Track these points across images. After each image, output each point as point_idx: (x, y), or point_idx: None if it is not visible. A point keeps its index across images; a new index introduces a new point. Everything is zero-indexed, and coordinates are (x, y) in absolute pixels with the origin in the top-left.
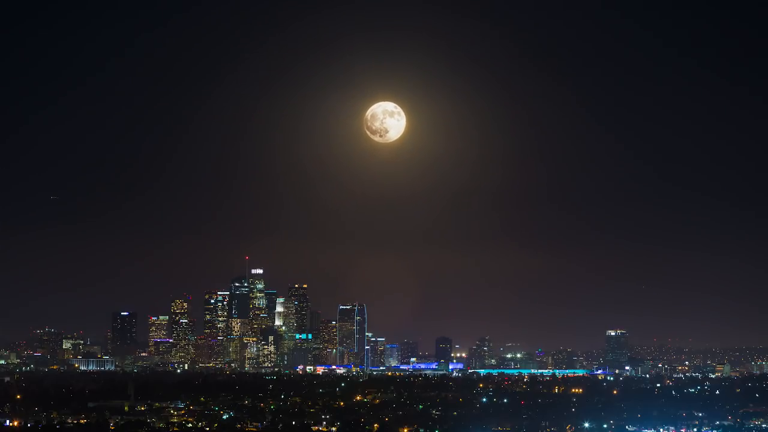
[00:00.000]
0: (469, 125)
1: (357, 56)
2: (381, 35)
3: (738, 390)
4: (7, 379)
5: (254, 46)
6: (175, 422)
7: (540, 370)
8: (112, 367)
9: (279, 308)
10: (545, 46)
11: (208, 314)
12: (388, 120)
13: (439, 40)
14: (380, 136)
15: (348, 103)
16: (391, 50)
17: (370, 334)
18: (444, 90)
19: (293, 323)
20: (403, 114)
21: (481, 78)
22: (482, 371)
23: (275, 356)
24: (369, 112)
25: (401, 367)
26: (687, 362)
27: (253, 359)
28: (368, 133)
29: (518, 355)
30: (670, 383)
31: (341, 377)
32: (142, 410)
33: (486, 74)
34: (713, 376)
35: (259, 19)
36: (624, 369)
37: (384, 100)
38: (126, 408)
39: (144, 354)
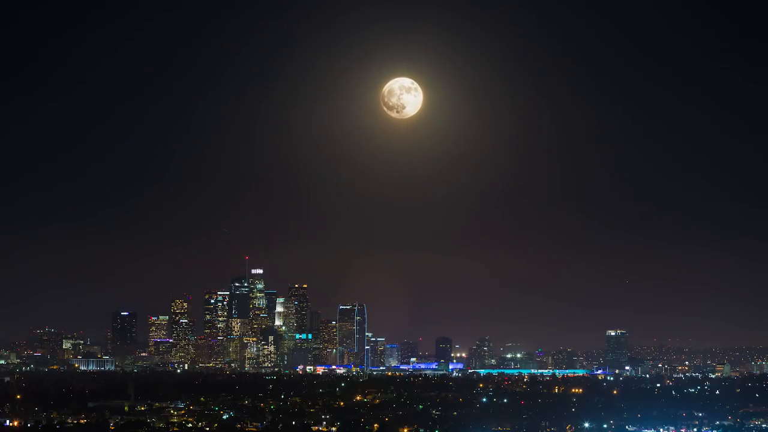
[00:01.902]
0: (484, 107)
1: (373, 31)
2: (397, 9)
3: (738, 390)
4: (7, 379)
5: (263, 25)
6: (175, 422)
7: (540, 370)
8: (112, 367)
9: (279, 308)
10: (572, 29)
11: (208, 314)
12: (405, 96)
13: (457, 13)
14: (397, 111)
15: (364, 79)
16: (408, 24)
17: (370, 334)
18: (461, 66)
19: (293, 323)
20: (420, 90)
21: (501, 54)
22: (482, 371)
23: (275, 356)
24: (386, 88)
25: (401, 367)
26: (687, 362)
27: (253, 359)
28: (385, 108)
29: (518, 355)
30: (670, 383)
31: (341, 377)
32: (142, 410)
33: (506, 50)
34: (713, 376)
35: None
36: (624, 369)
37: (401, 76)
38: (126, 408)
39: (144, 354)
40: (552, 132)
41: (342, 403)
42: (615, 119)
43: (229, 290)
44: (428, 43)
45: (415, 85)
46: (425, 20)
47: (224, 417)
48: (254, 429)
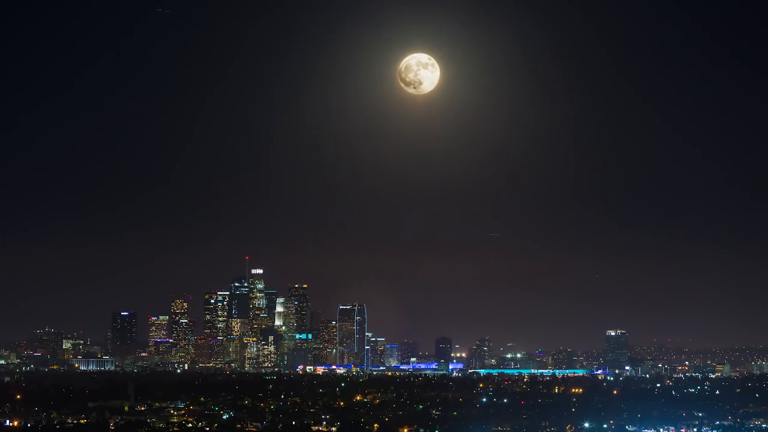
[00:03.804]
0: (500, 93)
1: (390, 4)
2: None
3: (738, 390)
4: (7, 379)
5: (270, 5)
6: (175, 422)
7: (540, 370)
8: (112, 367)
9: (279, 308)
10: (601, 12)
11: (208, 314)
12: (422, 71)
13: None
14: (414, 87)
15: (381, 56)
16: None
17: (370, 334)
18: (479, 42)
19: (293, 323)
20: (437, 66)
21: (522, 31)
22: (482, 371)
23: (275, 356)
24: (403, 64)
25: (401, 367)
26: (687, 362)
27: (253, 359)
28: (402, 84)
29: (518, 355)
30: (670, 383)
31: (341, 377)
32: (142, 410)
33: (528, 28)
34: (713, 376)
35: None
36: (624, 369)
37: (418, 52)
38: (126, 408)
39: (144, 354)
40: (569, 121)
41: (342, 403)
42: (628, 115)
43: (229, 290)
44: (446, 18)
45: (432, 60)
46: None
47: (224, 417)
48: (254, 429)
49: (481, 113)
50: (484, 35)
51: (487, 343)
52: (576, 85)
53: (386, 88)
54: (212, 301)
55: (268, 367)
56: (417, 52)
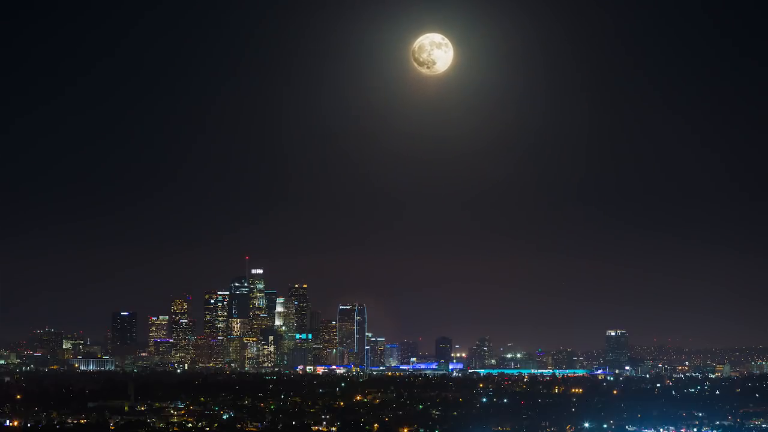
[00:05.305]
0: (509, 85)
1: None
2: None
3: (738, 390)
4: (7, 379)
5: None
6: (175, 422)
7: (540, 370)
8: (112, 367)
9: (279, 308)
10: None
11: (208, 314)
12: (435, 51)
13: None
14: (428, 67)
15: (394, 37)
16: None
17: (370, 334)
18: (494, 23)
19: (293, 323)
20: (450, 46)
21: (536, 12)
22: (482, 371)
23: (275, 356)
24: (416, 44)
25: (401, 367)
26: (687, 362)
27: (253, 359)
28: (416, 64)
29: (518, 355)
30: (670, 383)
31: (341, 377)
32: (142, 410)
33: (542, 7)
34: (713, 376)
35: None
36: (624, 369)
37: (431, 32)
38: (126, 408)
39: (144, 354)
40: (580, 115)
41: (342, 403)
42: (636, 110)
43: (229, 290)
44: None
45: (446, 41)
46: None
47: (224, 417)
48: (254, 429)
49: (493, 97)
50: (499, 16)
51: (487, 343)
52: (590, 74)
53: (399, 67)
54: (212, 301)
55: (268, 367)
56: (431, 32)
